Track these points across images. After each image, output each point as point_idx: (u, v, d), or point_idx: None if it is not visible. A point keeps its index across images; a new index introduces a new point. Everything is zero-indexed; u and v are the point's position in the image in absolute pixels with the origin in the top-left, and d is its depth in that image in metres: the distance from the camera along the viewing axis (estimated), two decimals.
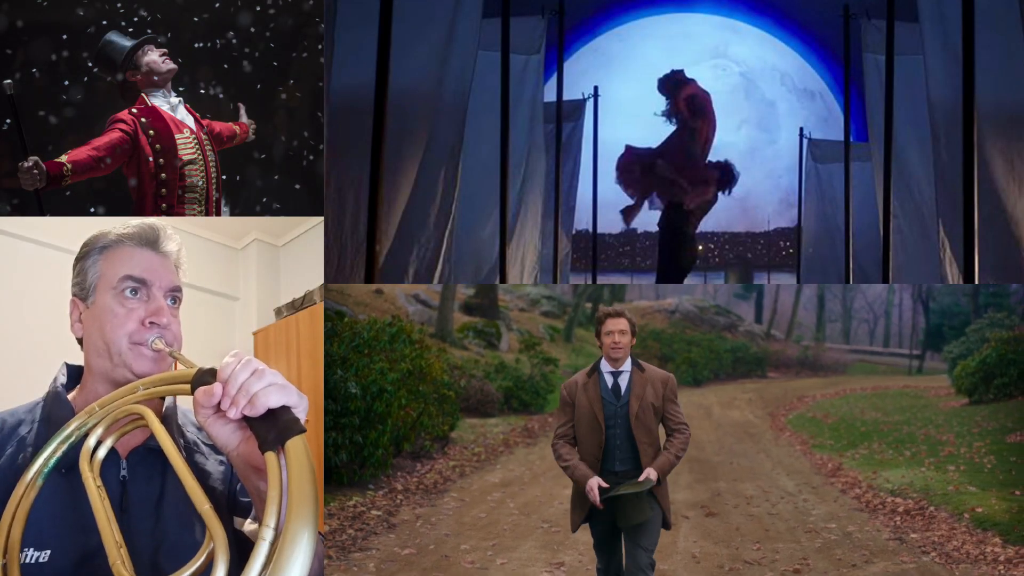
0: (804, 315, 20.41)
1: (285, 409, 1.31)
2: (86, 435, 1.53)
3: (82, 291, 1.73)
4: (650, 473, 3.33)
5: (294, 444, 1.24)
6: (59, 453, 1.52)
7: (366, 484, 6.04)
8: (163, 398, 1.71)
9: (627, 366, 3.48)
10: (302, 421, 1.31)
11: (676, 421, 3.47)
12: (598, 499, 3.26)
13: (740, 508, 6.34)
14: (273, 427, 1.28)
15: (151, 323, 1.67)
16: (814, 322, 20.46)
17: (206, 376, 1.38)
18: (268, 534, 1.16)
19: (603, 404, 3.42)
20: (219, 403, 1.35)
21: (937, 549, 5.23)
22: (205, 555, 1.35)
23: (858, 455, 8.36)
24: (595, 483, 3.28)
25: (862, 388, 14.51)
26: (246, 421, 1.33)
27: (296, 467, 1.20)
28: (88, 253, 1.74)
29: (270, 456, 1.25)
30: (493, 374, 10.26)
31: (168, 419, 1.69)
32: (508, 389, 10.05)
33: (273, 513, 1.18)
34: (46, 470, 1.50)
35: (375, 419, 5.99)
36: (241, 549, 1.31)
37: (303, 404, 1.34)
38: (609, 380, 3.47)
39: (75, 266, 1.75)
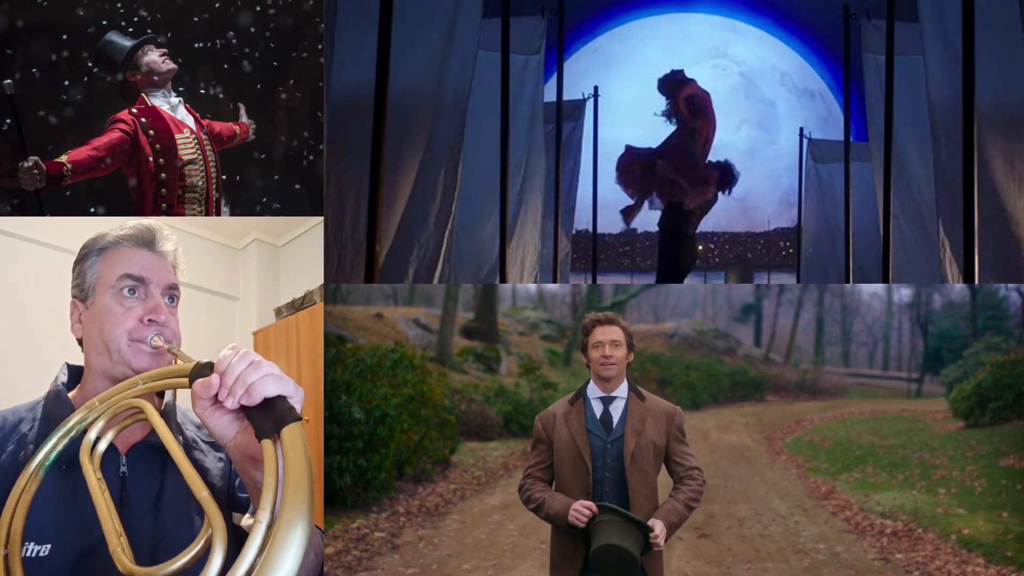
0: (803, 338, 20.36)
1: (281, 399, 1.33)
2: (86, 429, 1.55)
3: (81, 292, 1.75)
4: (656, 525, 2.53)
5: (290, 432, 1.26)
6: (60, 447, 1.54)
7: (369, 507, 6.14)
8: (162, 396, 1.73)
9: (622, 391, 2.72)
10: (298, 411, 1.32)
11: (686, 465, 2.69)
12: (586, 515, 2.53)
13: (732, 530, 6.38)
14: (270, 416, 1.30)
15: (150, 320, 1.69)
16: (813, 345, 20.40)
17: (204, 369, 1.40)
18: (265, 517, 1.17)
19: (589, 438, 2.67)
20: (216, 395, 1.36)
21: (920, 569, 5.30)
22: (203, 541, 1.37)
23: (852, 478, 8.39)
24: (581, 504, 2.55)
25: (860, 412, 14.49)
26: (243, 411, 1.35)
27: (292, 454, 1.22)
28: (86, 255, 1.77)
29: (267, 444, 1.27)
30: (493, 398, 10.30)
31: (167, 416, 1.70)
32: (508, 413, 10.07)
33: (270, 498, 1.19)
34: (47, 463, 1.52)
35: (378, 443, 6.13)
36: (239, 543, 1.31)
37: (299, 395, 1.36)
38: (598, 408, 2.71)
39: (74, 268, 1.78)
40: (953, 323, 17.64)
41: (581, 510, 2.54)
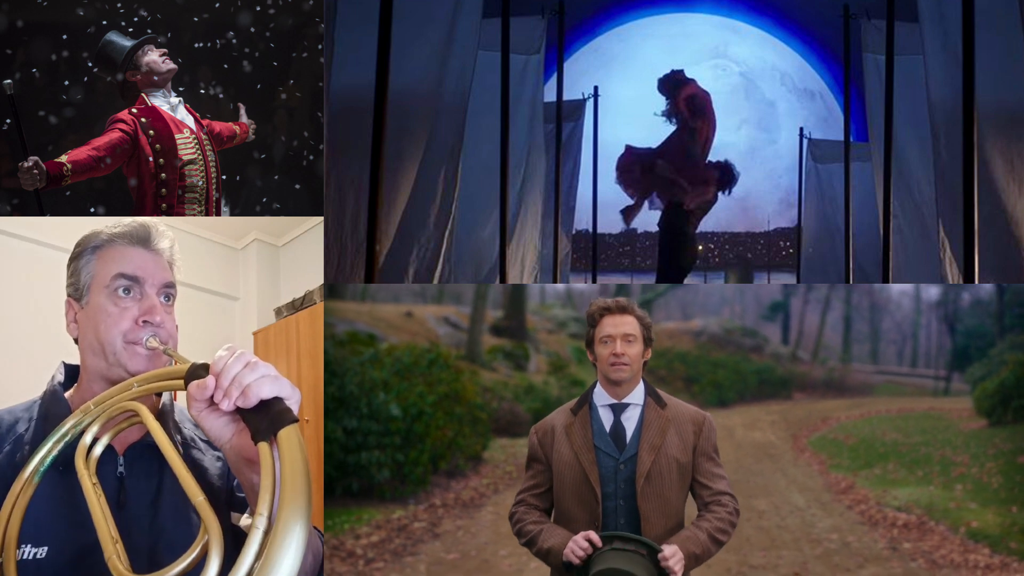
0: (831, 336, 20.22)
1: (277, 400, 1.31)
2: (82, 433, 1.53)
3: (76, 291, 1.73)
4: (668, 549, 2.02)
5: (287, 434, 1.24)
6: (55, 451, 1.52)
7: (406, 499, 6.38)
8: (159, 395, 1.71)
9: (637, 396, 2.22)
10: (295, 412, 1.31)
11: (714, 489, 2.19)
12: (585, 549, 2.04)
13: (752, 521, 6.49)
14: (266, 418, 1.28)
15: (145, 322, 1.67)
16: (840, 343, 20.28)
17: (199, 370, 1.38)
18: (262, 523, 1.16)
19: (597, 457, 2.17)
20: (212, 396, 1.35)
21: (925, 557, 5.45)
22: (200, 547, 1.35)
23: (872, 475, 8.42)
24: (582, 536, 2.06)
25: (887, 410, 14.33)
26: (239, 413, 1.33)
27: (289, 456, 1.20)
28: (81, 253, 1.74)
29: (263, 446, 1.25)
30: (522, 395, 10.40)
31: (165, 415, 1.69)
32: (537, 411, 10.12)
33: (267, 502, 1.18)
34: (43, 468, 1.51)
35: (415, 439, 6.46)
36: (237, 544, 1.30)
37: (296, 396, 1.34)
38: (607, 418, 2.21)
39: (69, 266, 1.76)
40: (980, 321, 17.55)
41: (580, 542, 2.04)
